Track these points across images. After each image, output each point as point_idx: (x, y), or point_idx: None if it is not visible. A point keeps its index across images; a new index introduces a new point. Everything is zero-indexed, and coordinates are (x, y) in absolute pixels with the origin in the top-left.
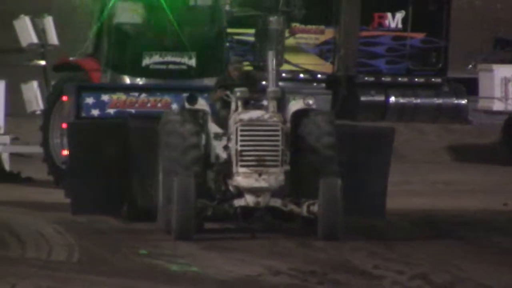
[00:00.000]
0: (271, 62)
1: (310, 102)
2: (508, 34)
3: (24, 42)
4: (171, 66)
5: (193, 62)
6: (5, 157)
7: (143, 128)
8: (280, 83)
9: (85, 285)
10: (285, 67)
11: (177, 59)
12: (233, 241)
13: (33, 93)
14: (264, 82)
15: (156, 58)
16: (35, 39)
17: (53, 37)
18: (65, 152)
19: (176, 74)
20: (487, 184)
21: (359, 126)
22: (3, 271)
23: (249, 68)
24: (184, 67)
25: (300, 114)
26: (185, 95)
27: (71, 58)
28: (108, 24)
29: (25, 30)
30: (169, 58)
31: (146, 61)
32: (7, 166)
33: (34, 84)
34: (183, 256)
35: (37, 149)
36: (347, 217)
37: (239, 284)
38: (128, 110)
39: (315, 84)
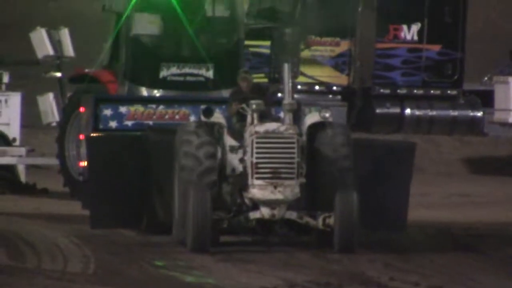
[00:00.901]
0: (287, 74)
1: (327, 115)
2: None
3: (40, 54)
4: (188, 78)
5: (210, 73)
6: (21, 168)
7: (163, 141)
8: (296, 95)
9: None
10: (301, 79)
11: (195, 71)
12: (249, 253)
13: (49, 105)
14: (279, 94)
15: (174, 69)
16: (51, 51)
17: (69, 49)
18: (82, 164)
19: (194, 86)
20: (503, 196)
21: (381, 140)
22: (19, 283)
23: (264, 80)
24: (201, 78)
25: (316, 127)
26: (203, 107)
27: (87, 70)
28: (125, 36)
29: (41, 42)
30: (186, 70)
31: (163, 72)
32: (23, 178)
33: (50, 96)
34: (199, 268)
35: (53, 161)
36: (368, 231)
37: None
38: (146, 122)
39: (330, 96)
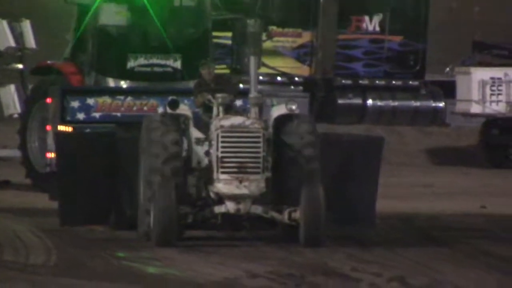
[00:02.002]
0: (254, 67)
1: (293, 107)
2: (485, 37)
3: (1, 46)
4: (156, 69)
5: (178, 64)
6: None
7: (131, 138)
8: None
9: None
10: (263, 70)
11: (162, 62)
12: (212, 245)
13: (11, 97)
14: (241, 85)
15: (141, 60)
16: (12, 43)
17: (31, 41)
18: (50, 155)
19: (161, 76)
20: (465, 187)
21: (349, 135)
22: None
23: (226, 71)
24: (169, 69)
25: (282, 119)
26: (171, 98)
27: (49, 62)
28: (92, 26)
29: (2, 33)
30: (154, 61)
31: (131, 63)
32: None
33: (12, 87)
34: (161, 259)
35: (16, 153)
36: (336, 226)
37: (217, 287)
38: (114, 113)
39: (292, 87)
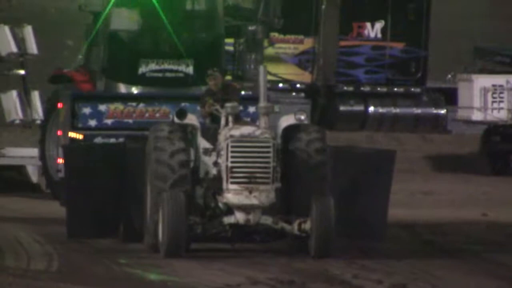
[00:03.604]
0: (263, 77)
1: (302, 117)
2: (487, 43)
3: (3, 52)
4: (167, 74)
5: (190, 69)
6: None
7: (140, 150)
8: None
9: None
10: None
11: (174, 67)
12: (213, 252)
13: (12, 102)
14: (243, 92)
15: (153, 66)
16: (14, 49)
17: (32, 47)
18: (60, 161)
19: (173, 82)
20: (466, 194)
21: (361, 149)
22: None
23: (229, 77)
24: (181, 74)
25: (291, 129)
26: (183, 104)
27: (64, 70)
28: (103, 31)
29: (4, 39)
30: (165, 66)
31: (142, 69)
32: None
33: (13, 93)
34: (163, 266)
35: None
36: (347, 240)
37: None
38: (126, 120)
39: (294, 93)
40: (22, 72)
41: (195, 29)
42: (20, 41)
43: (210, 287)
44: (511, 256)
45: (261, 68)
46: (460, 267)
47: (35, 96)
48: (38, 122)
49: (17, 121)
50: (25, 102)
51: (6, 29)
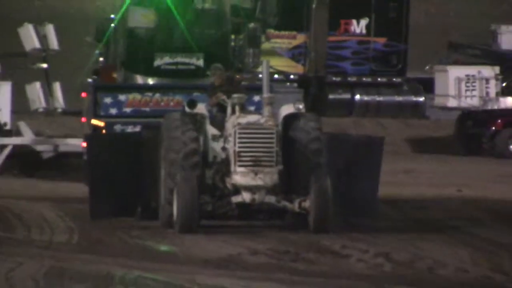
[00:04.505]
0: (266, 70)
1: (300, 107)
2: (460, 38)
3: (27, 47)
4: (180, 66)
5: (201, 62)
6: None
7: (155, 138)
8: (257, 82)
9: (84, 263)
10: (261, 68)
11: (186, 60)
12: (218, 226)
13: (36, 93)
14: (243, 83)
15: (167, 59)
16: (37, 45)
17: (53, 43)
18: (84, 144)
19: (185, 73)
20: (443, 173)
21: (353, 136)
22: (10, 252)
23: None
24: (192, 67)
25: (290, 118)
26: (194, 94)
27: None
28: (122, 28)
29: (28, 36)
30: (178, 59)
31: (157, 62)
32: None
33: (37, 84)
34: (172, 238)
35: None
36: (343, 218)
37: (221, 262)
38: (143, 109)
39: (288, 83)
40: (44, 65)
41: (205, 26)
42: (42, 38)
43: (214, 257)
44: (484, 229)
45: (265, 62)
46: (438, 238)
47: (57, 87)
48: (59, 110)
49: (41, 109)
50: (48, 92)
51: (30, 27)
